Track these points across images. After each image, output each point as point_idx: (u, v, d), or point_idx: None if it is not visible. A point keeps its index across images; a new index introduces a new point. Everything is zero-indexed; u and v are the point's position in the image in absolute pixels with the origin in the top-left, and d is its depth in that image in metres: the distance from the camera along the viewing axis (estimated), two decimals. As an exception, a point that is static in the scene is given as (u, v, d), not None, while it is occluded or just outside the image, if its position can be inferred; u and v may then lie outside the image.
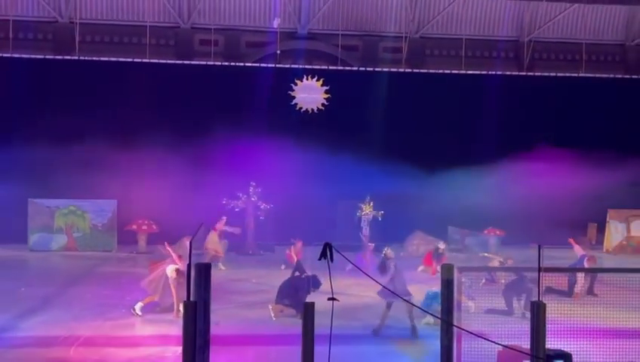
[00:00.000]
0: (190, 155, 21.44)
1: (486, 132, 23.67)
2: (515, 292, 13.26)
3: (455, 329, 7.37)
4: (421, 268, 18.05)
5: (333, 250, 5.88)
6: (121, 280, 16.50)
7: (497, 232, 20.83)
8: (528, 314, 10.73)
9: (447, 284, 7.72)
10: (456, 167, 21.72)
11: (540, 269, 6.55)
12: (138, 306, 12.88)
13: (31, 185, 21.24)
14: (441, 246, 17.57)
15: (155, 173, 21.08)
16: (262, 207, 21.70)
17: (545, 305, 6.61)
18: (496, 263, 14.51)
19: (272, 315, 12.67)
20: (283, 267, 17.36)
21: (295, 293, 12.81)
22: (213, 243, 18.41)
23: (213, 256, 17.98)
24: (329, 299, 5.95)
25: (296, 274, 13.57)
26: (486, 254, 12.56)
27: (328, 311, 5.96)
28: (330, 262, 5.83)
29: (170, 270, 13.08)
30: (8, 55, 22.82)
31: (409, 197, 21.14)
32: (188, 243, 6.81)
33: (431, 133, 23.60)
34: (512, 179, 22.42)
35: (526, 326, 6.92)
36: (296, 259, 15.08)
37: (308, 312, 6.20)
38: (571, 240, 16.72)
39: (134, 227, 21.65)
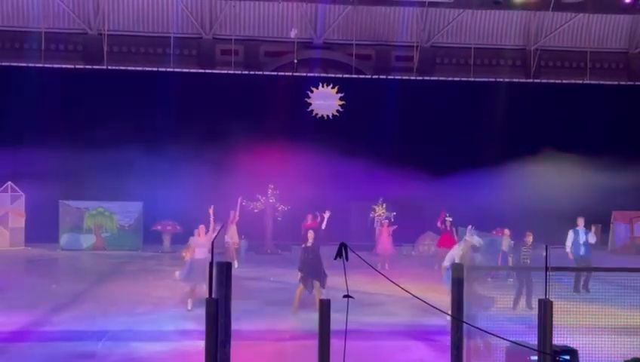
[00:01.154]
0: (212, 160, 21.51)
1: (494, 136, 23.58)
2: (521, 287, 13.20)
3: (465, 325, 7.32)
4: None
5: (348, 250, 5.86)
6: (147, 277, 16.63)
7: (506, 232, 20.67)
8: (531, 312, 10.67)
9: (458, 283, 7.68)
10: (466, 170, 21.62)
11: (547, 268, 6.49)
12: (189, 303, 12.89)
13: (62, 187, 21.43)
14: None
15: (178, 176, 21.18)
16: (279, 208, 21.72)
17: (552, 302, 6.55)
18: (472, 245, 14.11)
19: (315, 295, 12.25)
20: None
21: (307, 264, 12.73)
22: (234, 235, 18.50)
23: (233, 250, 18.04)
24: (344, 296, 5.93)
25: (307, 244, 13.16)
26: (466, 238, 12.49)
27: (343, 309, 5.94)
28: (345, 261, 5.81)
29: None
30: (41, 65, 23.04)
31: (420, 199, 21.08)
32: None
33: (441, 138, 23.53)
34: (519, 182, 22.30)
35: (532, 323, 6.87)
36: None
37: (324, 309, 6.18)
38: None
39: (159, 227, 21.76)
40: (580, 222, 15.71)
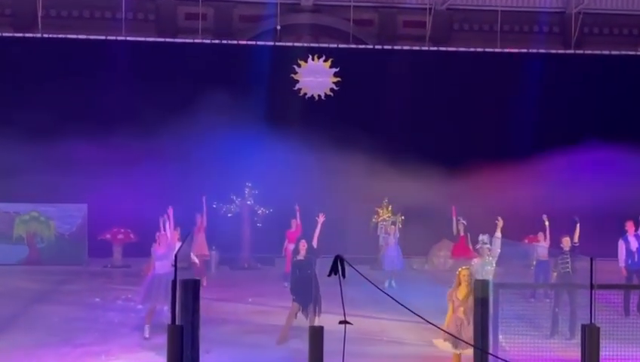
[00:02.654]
0: (175, 151, 21.46)
1: (525, 121, 23.63)
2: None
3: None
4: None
5: (345, 264, 5.88)
6: (93, 298, 16.55)
7: (539, 239, 20.77)
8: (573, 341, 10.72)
9: (482, 304, 7.73)
10: (489, 164, 21.67)
11: (592, 286, 6.53)
12: (147, 330, 12.97)
13: (-16, 187, 21.35)
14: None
15: (132, 172, 21.09)
16: (259, 211, 21.69)
17: (598, 328, 6.59)
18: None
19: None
20: (286, 284, 17.30)
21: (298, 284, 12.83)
22: (202, 246, 18.50)
23: (202, 264, 18.06)
24: (341, 322, 5.95)
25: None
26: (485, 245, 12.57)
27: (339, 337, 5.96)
28: (341, 279, 5.82)
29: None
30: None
31: (434, 199, 21.10)
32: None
33: (460, 124, 23.57)
34: (556, 178, 22.38)
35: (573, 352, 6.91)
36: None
37: (316, 338, 6.21)
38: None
39: (108, 236, 21.70)
40: (630, 227, 15.81)
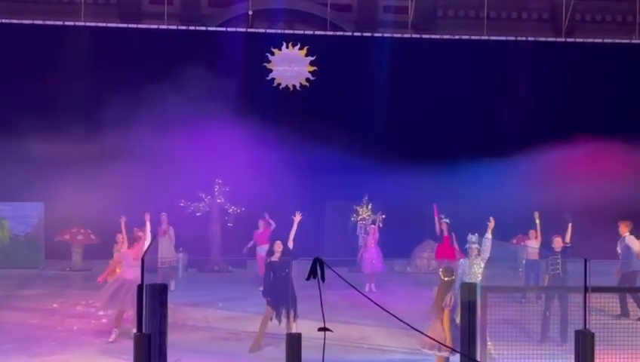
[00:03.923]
0: (138, 145, 21.31)
1: (514, 114, 23.75)
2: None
3: None
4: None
5: (325, 267, 5.88)
6: (50, 304, 16.45)
7: (530, 238, 20.94)
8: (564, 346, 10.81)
9: (469, 308, 7.78)
10: (477, 160, 21.78)
11: (586, 289, 6.59)
12: (114, 333, 13.07)
13: None
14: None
15: (93, 168, 20.98)
16: (230, 210, 21.65)
17: (593, 334, 6.65)
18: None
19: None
20: (261, 288, 17.21)
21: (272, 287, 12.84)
22: (168, 250, 18.42)
23: (168, 266, 18.05)
24: (320, 329, 5.96)
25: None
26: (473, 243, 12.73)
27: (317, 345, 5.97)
28: (320, 282, 5.83)
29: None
30: None
31: (417, 197, 21.16)
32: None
33: (444, 117, 23.65)
34: (547, 175, 22.53)
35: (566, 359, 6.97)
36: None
37: (293, 345, 6.22)
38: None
39: (67, 237, 21.57)
40: (624, 227, 16.02)
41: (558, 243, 14.40)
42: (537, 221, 16.72)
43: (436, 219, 18.76)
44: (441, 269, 11.08)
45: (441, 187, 21.28)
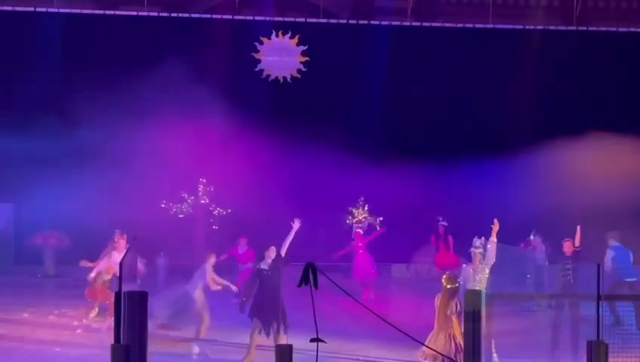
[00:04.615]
0: (115, 141, 21.26)
1: (521, 109, 23.79)
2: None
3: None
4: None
5: (318, 273, 5.88)
6: (21, 314, 16.40)
7: (537, 245, 21.02)
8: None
9: (473, 318, 7.79)
10: (482, 158, 21.80)
11: (599, 297, 6.60)
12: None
13: None
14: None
15: (66, 166, 20.91)
16: (215, 212, 21.64)
17: (606, 345, 6.66)
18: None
19: None
20: (244, 299, 17.08)
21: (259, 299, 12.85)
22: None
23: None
24: (312, 340, 5.96)
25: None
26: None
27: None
28: (313, 289, 5.84)
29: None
30: None
31: (417, 198, 21.20)
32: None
33: (447, 111, 23.68)
34: (558, 173, 22.55)
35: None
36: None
37: (283, 358, 6.22)
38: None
39: (39, 240, 21.53)
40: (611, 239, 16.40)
41: (568, 247, 14.41)
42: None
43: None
44: (444, 276, 11.12)
45: (443, 186, 21.33)
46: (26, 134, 20.64)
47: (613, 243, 16.71)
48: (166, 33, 23.44)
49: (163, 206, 21.05)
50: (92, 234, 17.01)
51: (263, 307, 12.85)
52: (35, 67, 22.29)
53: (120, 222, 15.10)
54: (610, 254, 16.48)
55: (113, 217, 19.04)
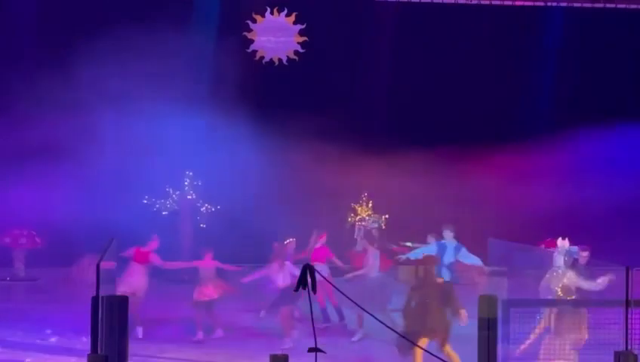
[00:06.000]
0: (91, 132, 21.29)
1: (542, 95, 23.83)
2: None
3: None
4: None
5: (316, 276, 5.91)
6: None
7: (560, 244, 21.05)
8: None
9: (488, 326, 7.80)
10: (494, 147, 21.85)
11: (627, 303, 6.61)
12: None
13: None
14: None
15: (37, 161, 20.92)
16: (203, 209, 21.66)
17: (635, 356, 6.66)
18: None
19: None
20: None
21: None
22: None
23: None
24: (311, 349, 5.99)
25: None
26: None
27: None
28: (311, 293, 5.86)
29: None
30: None
31: (426, 193, 21.24)
32: None
33: (458, 98, 23.68)
34: (581, 165, 22.60)
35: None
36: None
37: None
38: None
39: (7, 240, 21.57)
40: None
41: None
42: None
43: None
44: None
45: (453, 181, 21.35)
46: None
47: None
48: (149, 10, 23.30)
49: (145, 202, 21.05)
50: (66, 234, 17.00)
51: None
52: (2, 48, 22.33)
53: (98, 221, 15.07)
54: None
55: (89, 215, 19.11)
